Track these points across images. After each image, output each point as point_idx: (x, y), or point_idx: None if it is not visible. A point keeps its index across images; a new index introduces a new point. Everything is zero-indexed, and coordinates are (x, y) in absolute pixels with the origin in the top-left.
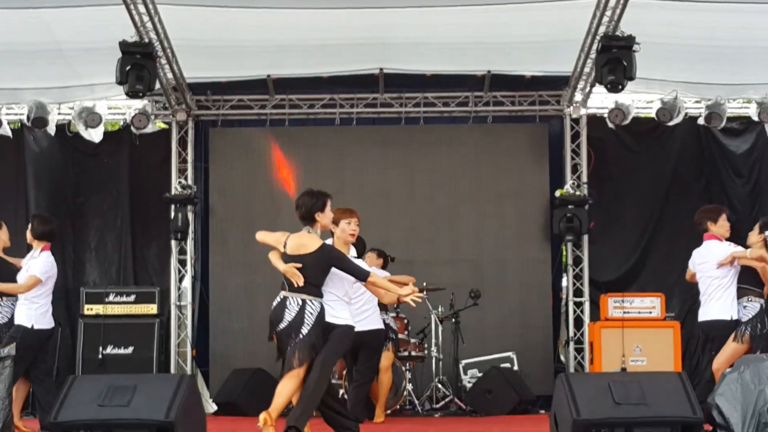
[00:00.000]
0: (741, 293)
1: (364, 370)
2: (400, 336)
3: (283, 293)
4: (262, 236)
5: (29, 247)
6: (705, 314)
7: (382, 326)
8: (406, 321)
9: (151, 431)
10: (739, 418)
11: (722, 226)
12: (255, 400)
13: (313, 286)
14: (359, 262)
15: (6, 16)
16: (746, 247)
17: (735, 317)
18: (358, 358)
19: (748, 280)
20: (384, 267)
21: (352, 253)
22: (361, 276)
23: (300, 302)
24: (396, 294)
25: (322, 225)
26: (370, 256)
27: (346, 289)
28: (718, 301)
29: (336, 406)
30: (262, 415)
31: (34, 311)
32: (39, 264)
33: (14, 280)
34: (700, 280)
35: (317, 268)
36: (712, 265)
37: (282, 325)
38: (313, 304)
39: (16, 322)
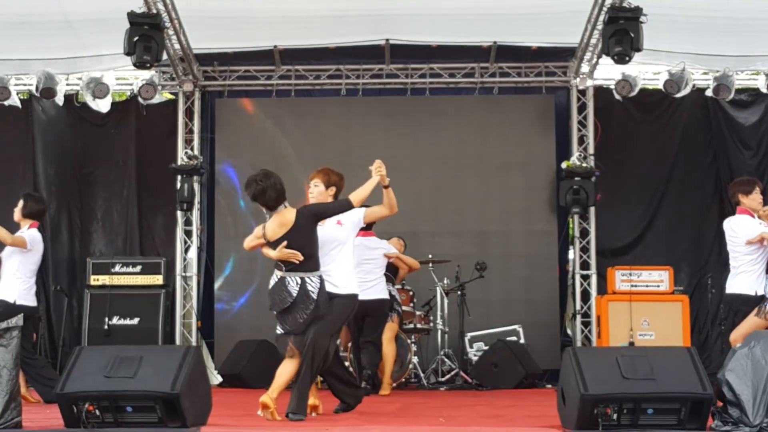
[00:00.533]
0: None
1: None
2: (405, 308)
3: (279, 273)
4: (248, 244)
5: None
6: (731, 287)
7: (387, 296)
8: (411, 293)
9: (157, 403)
10: (750, 395)
11: (754, 199)
12: (260, 372)
13: (310, 260)
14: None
15: None
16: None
17: (760, 293)
18: (363, 329)
19: None
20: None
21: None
22: (345, 206)
23: (299, 281)
24: (374, 184)
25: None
26: (397, 242)
27: (347, 255)
28: (745, 275)
29: (344, 376)
30: (263, 400)
31: (17, 287)
32: (28, 234)
33: None
34: (730, 252)
35: (306, 234)
36: (742, 240)
37: (283, 306)
38: (311, 280)
39: (2, 297)
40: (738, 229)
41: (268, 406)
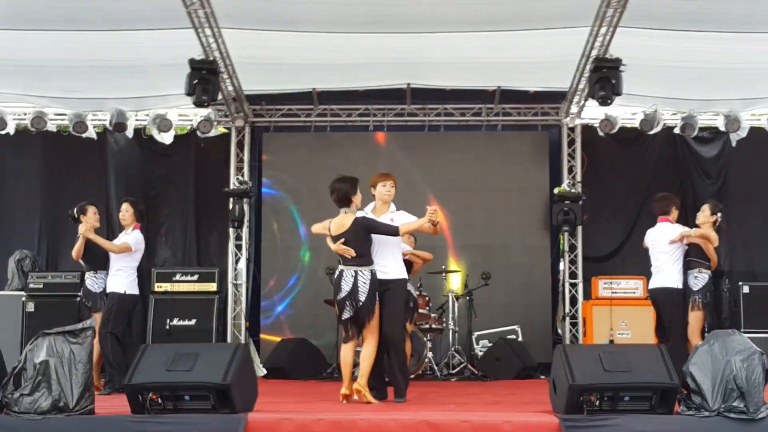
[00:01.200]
0: (692, 265)
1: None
2: (422, 311)
3: (339, 267)
4: (315, 229)
5: (111, 233)
6: (656, 282)
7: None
8: (427, 298)
9: (211, 392)
10: (710, 385)
11: (675, 214)
12: (299, 365)
13: (362, 257)
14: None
15: (95, 37)
16: (696, 225)
17: (680, 287)
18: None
19: (697, 255)
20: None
21: (391, 208)
22: (392, 232)
23: (353, 273)
24: (424, 224)
25: (356, 205)
26: (409, 238)
27: (394, 248)
28: (668, 272)
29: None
30: (355, 388)
31: (125, 279)
32: (131, 237)
33: (106, 260)
34: (653, 255)
35: (358, 239)
36: (665, 242)
37: (341, 295)
38: (363, 273)
39: (112, 289)
40: (659, 232)
41: (359, 391)
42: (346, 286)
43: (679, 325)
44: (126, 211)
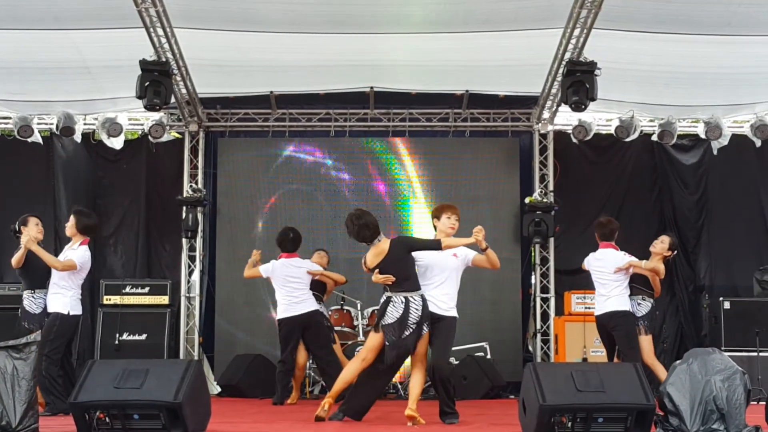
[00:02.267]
0: (635, 292)
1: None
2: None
3: (386, 294)
4: (364, 268)
5: (59, 243)
6: (606, 308)
7: (317, 308)
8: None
9: (161, 411)
10: (688, 406)
11: (616, 236)
12: (255, 383)
13: (407, 281)
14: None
15: (40, 36)
16: (648, 253)
17: (630, 310)
18: (309, 345)
19: (641, 283)
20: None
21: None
22: (434, 246)
23: (403, 300)
24: (468, 243)
25: (440, 230)
26: (322, 256)
27: (453, 281)
28: (616, 297)
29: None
30: (407, 414)
31: (69, 299)
32: (78, 254)
33: (46, 277)
34: (597, 282)
35: (399, 262)
36: (610, 269)
37: (388, 320)
38: (414, 299)
39: (52, 310)
40: (605, 258)
41: (413, 416)
42: (395, 313)
43: (636, 346)
44: (69, 223)
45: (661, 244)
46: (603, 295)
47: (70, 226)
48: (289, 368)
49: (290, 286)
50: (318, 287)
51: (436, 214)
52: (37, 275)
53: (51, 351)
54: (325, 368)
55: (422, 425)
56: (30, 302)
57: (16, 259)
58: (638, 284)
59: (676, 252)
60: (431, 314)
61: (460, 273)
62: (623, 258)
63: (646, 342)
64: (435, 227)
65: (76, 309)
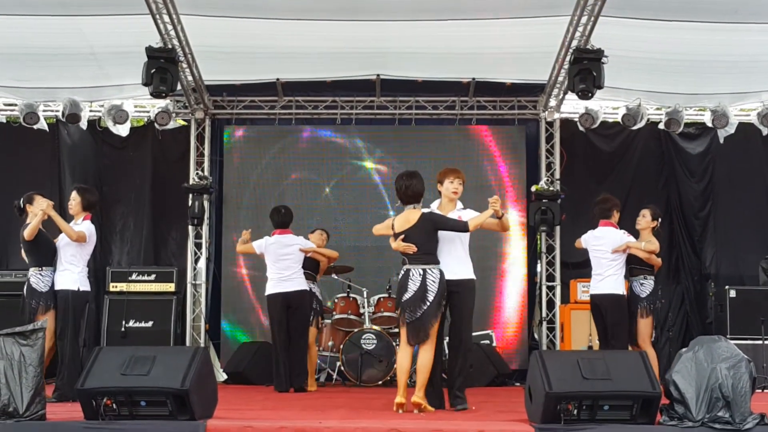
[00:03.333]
0: (635, 272)
1: (296, 331)
2: (391, 314)
3: (405, 266)
4: (377, 230)
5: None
6: (601, 289)
7: (306, 288)
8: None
9: (168, 398)
10: (694, 393)
11: (616, 216)
12: (260, 370)
13: (428, 254)
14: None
15: (46, 22)
16: (636, 231)
17: (624, 293)
18: (290, 323)
19: (639, 263)
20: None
21: (458, 206)
22: (462, 227)
23: (421, 272)
24: (489, 217)
25: (444, 194)
26: (319, 235)
27: (460, 247)
28: (612, 278)
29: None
30: (414, 401)
31: (77, 275)
32: (84, 227)
33: (52, 255)
34: (594, 260)
35: (424, 236)
36: (608, 249)
37: (407, 295)
38: (432, 272)
39: (61, 287)
40: (603, 237)
41: (419, 404)
42: (413, 286)
43: (625, 331)
44: (73, 200)
45: (644, 219)
46: (598, 274)
47: (75, 204)
48: (289, 352)
49: (282, 262)
50: (312, 266)
51: (439, 179)
52: (45, 252)
53: (79, 332)
54: (293, 350)
55: (430, 412)
56: (37, 279)
57: (30, 229)
58: (637, 264)
59: (660, 219)
60: (448, 282)
61: (466, 239)
62: (621, 237)
63: (644, 325)
64: (440, 192)
65: (85, 285)
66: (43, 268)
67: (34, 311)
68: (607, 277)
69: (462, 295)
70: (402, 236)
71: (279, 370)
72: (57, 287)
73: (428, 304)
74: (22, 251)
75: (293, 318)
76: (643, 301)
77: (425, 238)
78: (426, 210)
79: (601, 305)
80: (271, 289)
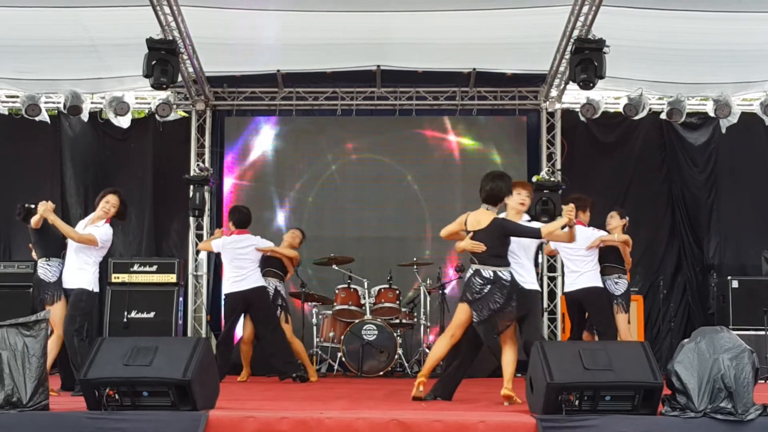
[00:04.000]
0: (609, 271)
1: (263, 327)
2: (392, 305)
3: (474, 266)
4: (446, 231)
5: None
6: (579, 284)
7: (263, 284)
8: (397, 292)
9: (170, 388)
10: (696, 384)
11: (587, 215)
12: (262, 361)
13: (497, 257)
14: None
15: (47, 14)
16: (606, 229)
17: (602, 286)
18: (255, 321)
19: (614, 261)
20: (299, 245)
21: (524, 218)
22: (534, 234)
23: (491, 273)
24: (572, 236)
25: (511, 207)
26: (296, 235)
27: (530, 256)
28: (588, 273)
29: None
30: (504, 394)
31: (92, 275)
32: (101, 231)
33: (60, 245)
34: (568, 258)
35: (494, 239)
36: (582, 246)
37: (479, 295)
38: (503, 273)
39: (77, 285)
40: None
41: (510, 396)
42: (483, 287)
43: (612, 323)
44: (113, 206)
45: (613, 219)
46: (575, 272)
47: (112, 208)
48: (229, 347)
49: (237, 262)
50: (278, 265)
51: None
52: (52, 242)
53: (81, 327)
54: (267, 346)
55: (518, 403)
56: (45, 270)
57: (35, 219)
58: (611, 262)
59: (627, 218)
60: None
61: (534, 246)
62: (593, 233)
63: (623, 320)
64: (505, 204)
65: (97, 287)
66: (51, 258)
67: (43, 303)
68: (585, 273)
69: (529, 306)
70: (471, 235)
71: (220, 361)
72: (71, 285)
73: (499, 304)
74: (31, 243)
75: (257, 314)
76: (617, 298)
77: (494, 242)
78: (498, 218)
79: (582, 299)
80: (228, 288)
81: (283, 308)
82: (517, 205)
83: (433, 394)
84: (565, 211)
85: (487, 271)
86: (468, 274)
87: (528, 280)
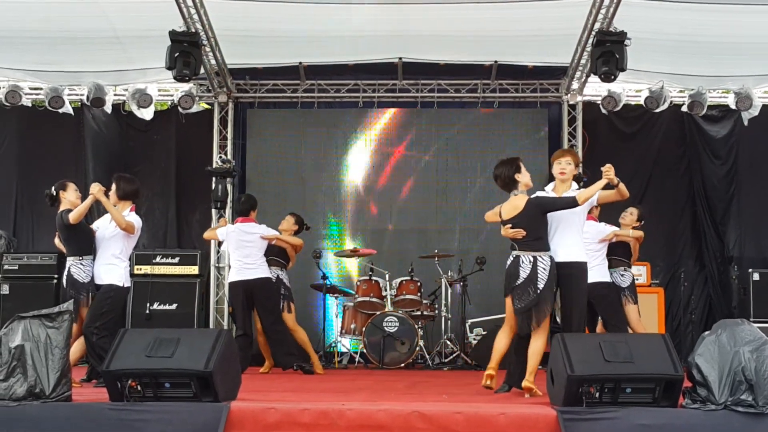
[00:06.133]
0: (615, 264)
1: (266, 317)
2: (413, 297)
3: (515, 252)
4: (489, 217)
5: (90, 214)
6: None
7: (269, 275)
8: (419, 284)
9: (192, 380)
10: (717, 377)
11: (598, 209)
12: (282, 352)
13: (538, 241)
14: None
15: (70, 6)
16: (618, 224)
17: (610, 280)
18: (259, 312)
19: (622, 254)
20: (297, 233)
21: (573, 186)
22: (570, 203)
23: (531, 259)
24: (602, 187)
25: (524, 184)
26: (288, 220)
27: (575, 228)
28: (598, 268)
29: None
30: (525, 386)
31: (123, 270)
32: (133, 218)
33: (90, 244)
34: None
35: (533, 222)
36: (593, 240)
37: (517, 282)
38: (543, 259)
39: (107, 281)
40: (587, 232)
41: (531, 388)
42: (523, 273)
43: (621, 316)
44: (111, 190)
45: (630, 216)
46: None
47: (111, 193)
48: (248, 339)
49: (243, 250)
50: (281, 254)
51: (551, 162)
52: (85, 240)
53: (104, 324)
54: (271, 336)
55: (539, 396)
56: (79, 270)
57: (78, 213)
58: (618, 255)
59: (643, 222)
60: (559, 264)
61: (583, 215)
62: (605, 228)
63: (633, 311)
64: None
65: (128, 281)
66: (84, 257)
67: (78, 303)
68: (594, 267)
69: (573, 278)
70: (510, 224)
71: (242, 353)
72: (102, 281)
73: (538, 291)
74: (59, 239)
75: (260, 306)
76: (624, 290)
77: (534, 224)
78: (533, 197)
79: (591, 295)
80: (232, 276)
81: (286, 297)
82: (558, 174)
83: (507, 386)
84: (604, 171)
85: (528, 257)
86: (509, 261)
87: (572, 252)
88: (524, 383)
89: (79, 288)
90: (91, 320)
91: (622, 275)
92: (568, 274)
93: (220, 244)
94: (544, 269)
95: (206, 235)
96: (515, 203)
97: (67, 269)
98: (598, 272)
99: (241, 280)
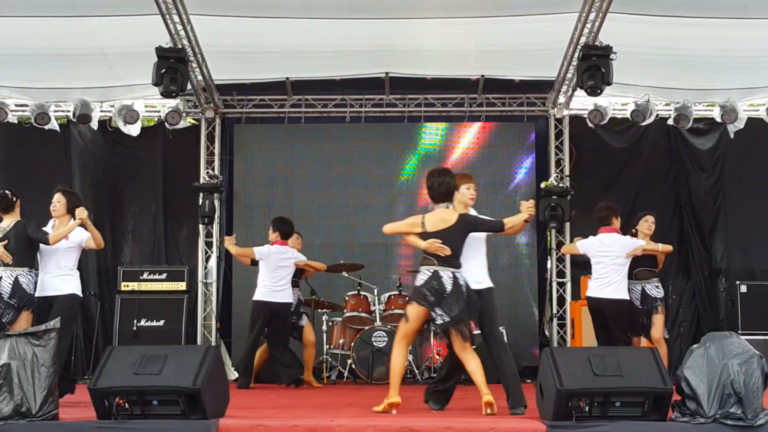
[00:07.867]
0: (647, 276)
1: (276, 339)
2: (401, 312)
3: (432, 267)
4: (391, 228)
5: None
6: (607, 293)
7: (292, 301)
8: (407, 298)
9: (180, 397)
10: (706, 390)
11: (618, 221)
12: (272, 369)
13: (457, 258)
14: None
15: (56, 23)
16: (634, 231)
17: (628, 298)
18: (270, 331)
19: (647, 264)
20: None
21: (471, 213)
22: (498, 227)
23: (451, 275)
24: (525, 219)
25: (459, 201)
26: (296, 239)
27: (482, 254)
28: (617, 284)
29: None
30: (486, 401)
31: (78, 280)
32: (80, 232)
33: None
34: (600, 264)
35: (459, 238)
36: (619, 254)
37: (438, 297)
38: (460, 276)
39: (67, 291)
40: (611, 243)
41: (491, 403)
42: (448, 287)
43: (625, 333)
44: (58, 202)
45: (646, 223)
46: (604, 278)
47: (60, 206)
48: (251, 360)
49: (279, 272)
50: (297, 272)
51: (456, 185)
52: (35, 254)
53: (67, 333)
54: (278, 357)
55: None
56: (27, 280)
57: (60, 236)
58: (648, 266)
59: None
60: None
61: (484, 242)
62: (633, 242)
63: (660, 320)
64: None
65: (81, 291)
66: (32, 270)
67: (17, 311)
68: (614, 283)
69: (486, 303)
70: (436, 237)
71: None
72: (60, 291)
73: (461, 305)
74: (5, 247)
75: (274, 327)
76: (659, 301)
77: (458, 241)
78: (464, 213)
79: (605, 310)
80: (261, 296)
81: (306, 313)
82: (467, 199)
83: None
84: (525, 206)
85: (447, 273)
86: (425, 277)
87: (481, 279)
88: (484, 398)
89: (26, 298)
90: (62, 329)
91: (657, 287)
92: (483, 300)
93: (207, 259)
94: (463, 287)
95: (238, 251)
96: (445, 216)
97: (14, 278)
98: (615, 289)
99: (269, 301)
